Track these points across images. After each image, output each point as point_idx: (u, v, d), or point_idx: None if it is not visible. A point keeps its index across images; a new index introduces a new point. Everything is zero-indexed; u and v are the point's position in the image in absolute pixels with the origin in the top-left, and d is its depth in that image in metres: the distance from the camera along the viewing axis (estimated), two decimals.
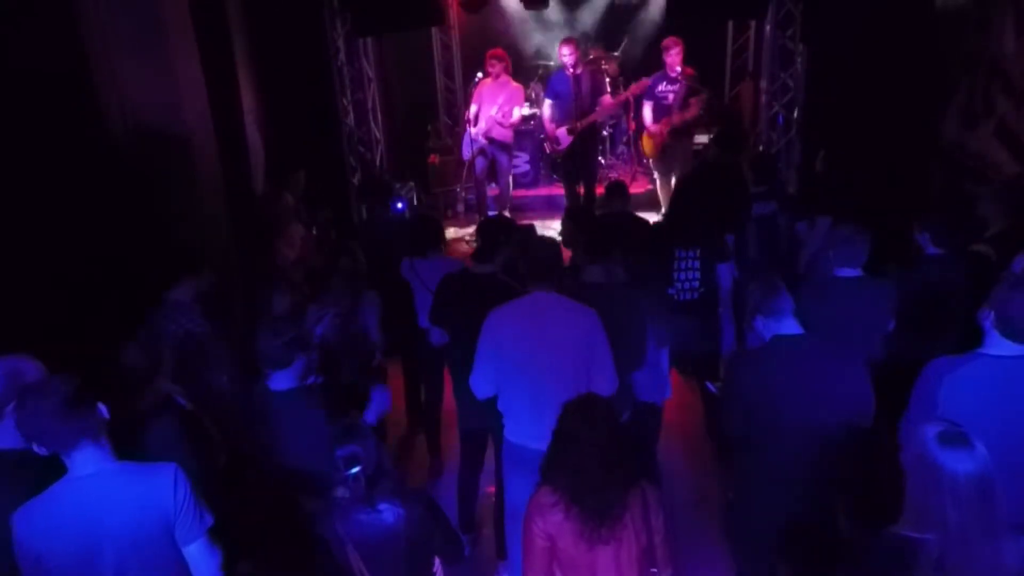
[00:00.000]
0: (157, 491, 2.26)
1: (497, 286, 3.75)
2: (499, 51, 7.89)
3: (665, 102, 7.51)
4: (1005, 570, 1.97)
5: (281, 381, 2.96)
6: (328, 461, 2.51)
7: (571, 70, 7.37)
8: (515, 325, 3.22)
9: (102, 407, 2.29)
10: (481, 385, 3.33)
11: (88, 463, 2.23)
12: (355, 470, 2.48)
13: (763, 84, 7.99)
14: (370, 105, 8.17)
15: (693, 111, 7.42)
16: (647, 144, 7.95)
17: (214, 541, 2.39)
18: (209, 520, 2.36)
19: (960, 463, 1.96)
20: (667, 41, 7.37)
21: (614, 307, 3.45)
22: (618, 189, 5.32)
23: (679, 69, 7.33)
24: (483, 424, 3.78)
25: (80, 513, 2.21)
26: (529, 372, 3.19)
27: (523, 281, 3.48)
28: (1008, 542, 1.99)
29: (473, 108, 7.86)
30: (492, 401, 3.43)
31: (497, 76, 7.71)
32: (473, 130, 7.85)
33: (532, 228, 5.70)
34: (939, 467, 1.97)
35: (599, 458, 2.36)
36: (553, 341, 3.17)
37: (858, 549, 2.18)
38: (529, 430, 3.26)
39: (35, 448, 2.23)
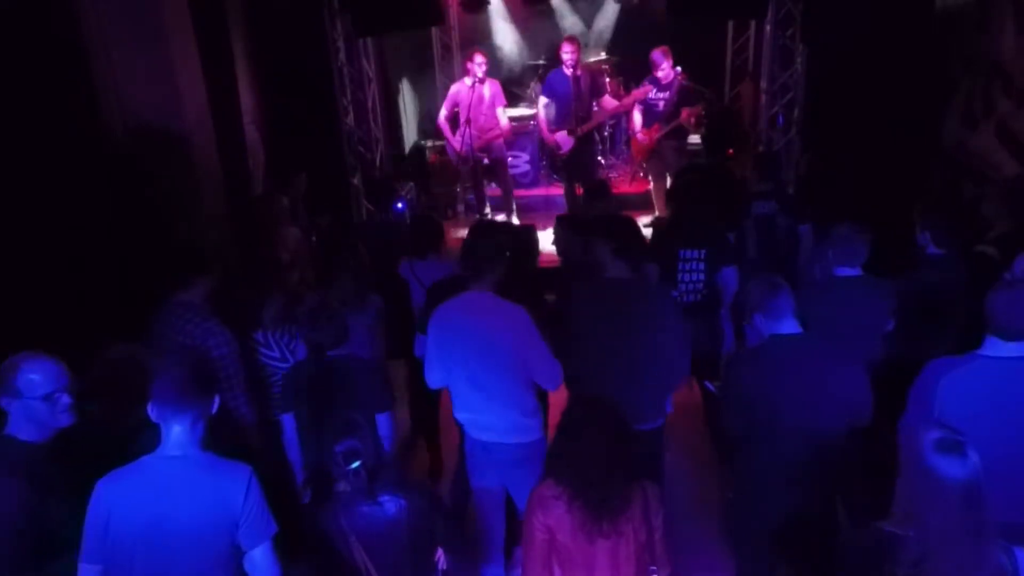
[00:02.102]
0: (230, 488, 2.33)
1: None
2: (481, 50, 7.64)
3: (656, 109, 7.51)
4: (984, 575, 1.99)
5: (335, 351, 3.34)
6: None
7: (570, 69, 7.34)
8: (452, 323, 3.33)
9: (216, 401, 2.44)
10: (431, 377, 3.47)
11: (176, 444, 2.34)
12: (355, 464, 2.50)
13: (763, 84, 7.99)
14: (370, 105, 8.17)
15: (684, 121, 7.44)
16: (636, 148, 8.00)
17: (277, 551, 2.43)
18: (273, 528, 2.41)
19: (950, 469, 1.98)
20: (655, 55, 7.32)
21: (643, 303, 3.50)
22: (601, 190, 5.30)
23: (671, 78, 7.31)
24: None
25: (154, 489, 2.30)
26: (466, 368, 3.30)
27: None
28: (992, 549, 2.01)
29: (443, 113, 7.60)
30: None
31: (483, 81, 7.43)
32: (456, 141, 7.59)
33: (532, 228, 5.71)
34: (929, 470, 1.99)
35: (603, 453, 2.38)
36: (484, 341, 3.25)
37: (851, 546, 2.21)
38: (470, 421, 3.43)
39: (149, 410, 2.35)
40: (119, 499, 2.29)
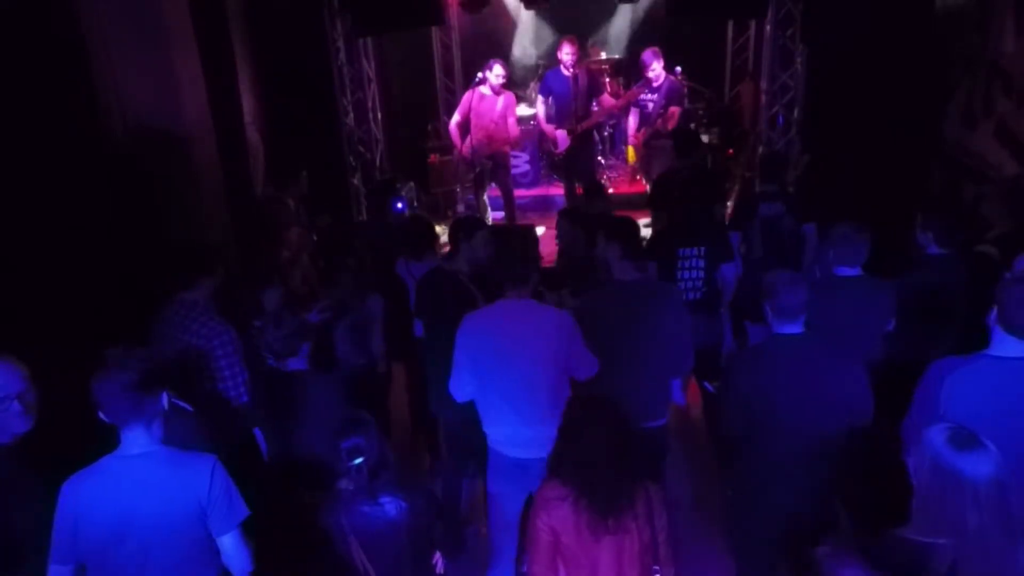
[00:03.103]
0: (193, 478, 2.34)
1: (458, 284, 3.81)
2: (500, 62, 7.58)
3: (646, 111, 7.54)
4: (1019, 573, 1.95)
5: (292, 364, 3.22)
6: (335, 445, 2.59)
7: (569, 70, 7.34)
8: (487, 333, 3.21)
9: (164, 397, 2.40)
10: (456, 387, 3.33)
11: (136, 444, 2.34)
12: (358, 461, 2.50)
13: (763, 84, 7.99)
14: (370, 105, 8.17)
15: (671, 124, 7.45)
16: (629, 152, 8.06)
17: (247, 536, 2.44)
18: (243, 513, 2.42)
19: (979, 467, 1.94)
20: (645, 56, 7.33)
21: (651, 302, 3.49)
22: (598, 190, 5.34)
23: (661, 79, 7.32)
24: (457, 418, 3.80)
25: (119, 489, 2.30)
26: (503, 381, 3.19)
27: (486, 281, 3.57)
28: (1022, 544, 1.97)
29: (456, 119, 7.58)
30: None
31: (499, 92, 7.42)
32: (465, 146, 7.60)
33: (532, 228, 5.72)
34: (957, 472, 1.95)
35: (605, 452, 2.39)
36: (525, 348, 3.15)
37: (858, 549, 2.17)
38: (505, 437, 3.30)
39: (100, 415, 2.32)
40: (86, 500, 2.30)
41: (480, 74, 7.62)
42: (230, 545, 2.40)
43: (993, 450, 1.96)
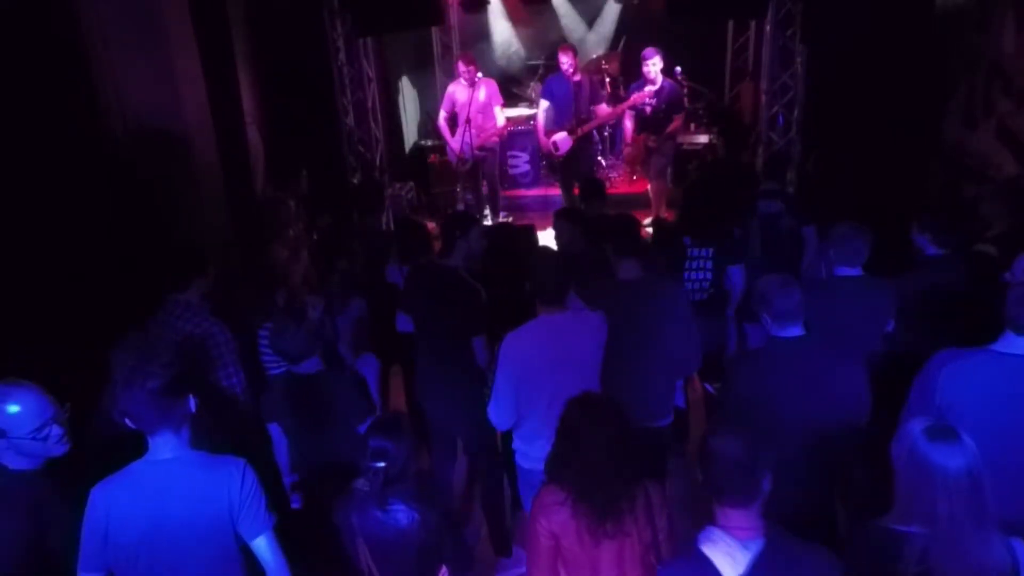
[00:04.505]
0: (223, 481, 2.31)
1: (456, 281, 3.77)
2: (469, 54, 7.74)
3: (644, 115, 7.54)
4: (990, 565, 1.99)
5: (306, 367, 3.17)
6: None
7: (570, 75, 7.37)
8: (531, 350, 3.14)
9: (192, 400, 2.37)
10: (502, 416, 3.21)
11: (164, 449, 2.31)
12: (379, 464, 2.48)
13: (763, 84, 7.99)
14: (370, 105, 8.17)
15: (672, 126, 7.47)
16: (626, 157, 8.16)
17: (280, 539, 2.41)
18: (274, 517, 2.40)
19: (950, 458, 1.98)
20: (646, 51, 7.36)
21: (654, 301, 3.47)
22: (596, 190, 5.26)
23: (658, 83, 7.32)
24: (449, 415, 3.84)
25: (149, 495, 2.28)
26: (548, 395, 3.11)
27: (491, 280, 3.61)
28: (995, 537, 2.01)
29: (442, 114, 7.67)
30: (461, 391, 3.44)
31: (472, 83, 7.50)
32: (456, 142, 7.67)
33: (532, 228, 5.71)
34: (929, 462, 2.00)
35: (606, 455, 2.35)
36: (570, 360, 3.14)
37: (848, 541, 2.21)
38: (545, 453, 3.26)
39: (126, 422, 2.30)
40: (116, 506, 2.27)
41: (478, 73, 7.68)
42: (265, 548, 2.36)
43: (968, 444, 2.00)
